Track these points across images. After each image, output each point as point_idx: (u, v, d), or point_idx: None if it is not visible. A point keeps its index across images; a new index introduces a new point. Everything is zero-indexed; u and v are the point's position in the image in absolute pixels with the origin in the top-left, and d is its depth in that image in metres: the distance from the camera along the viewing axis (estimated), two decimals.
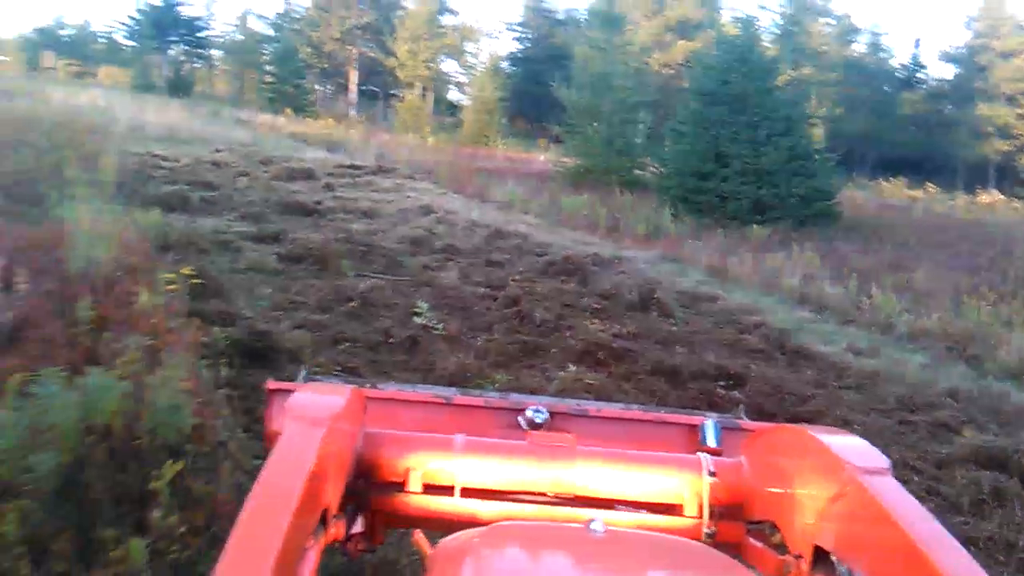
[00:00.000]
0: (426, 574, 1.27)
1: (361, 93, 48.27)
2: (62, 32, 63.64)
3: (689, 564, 1.28)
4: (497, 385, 5.36)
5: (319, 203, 11.66)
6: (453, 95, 49.74)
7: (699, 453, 1.64)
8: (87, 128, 13.19)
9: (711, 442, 1.73)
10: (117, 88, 38.89)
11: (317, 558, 1.27)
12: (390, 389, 1.91)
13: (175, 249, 7.41)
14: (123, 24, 57.77)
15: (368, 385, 1.85)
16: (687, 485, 1.58)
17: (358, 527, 1.64)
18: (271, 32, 50.70)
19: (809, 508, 1.37)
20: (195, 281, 5.93)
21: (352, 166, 17.20)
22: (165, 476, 3.02)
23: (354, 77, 47.59)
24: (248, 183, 12.89)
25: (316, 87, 49.05)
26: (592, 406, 1.91)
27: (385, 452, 1.59)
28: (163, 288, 5.44)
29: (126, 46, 55.94)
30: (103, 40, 62.81)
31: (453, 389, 1.91)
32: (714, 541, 1.54)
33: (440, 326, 6.55)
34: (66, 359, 4.39)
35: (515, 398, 1.89)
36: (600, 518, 1.33)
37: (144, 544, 2.82)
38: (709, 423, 1.77)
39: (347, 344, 5.95)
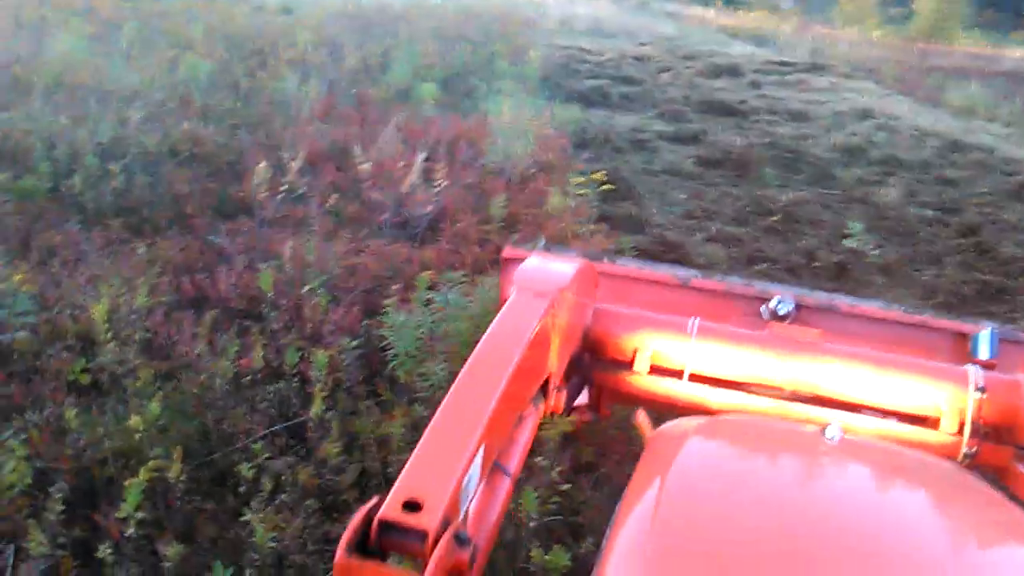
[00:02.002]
0: (644, 455, 1.20)
1: None
2: None
3: (934, 485, 1.13)
4: None
5: (743, 102, 10.77)
6: None
7: (968, 365, 1.50)
8: (520, 22, 13.58)
9: (983, 354, 1.58)
10: None
11: (535, 425, 1.31)
12: (627, 266, 1.87)
13: (591, 147, 7.19)
14: None
15: (605, 260, 1.82)
16: (948, 398, 1.46)
17: (583, 399, 1.66)
18: None
19: None
20: (606, 186, 5.61)
21: (783, 62, 15.78)
22: None
23: None
24: (670, 79, 12.36)
25: None
26: (845, 301, 1.78)
27: (614, 329, 1.56)
28: (575, 190, 5.21)
29: None
30: None
31: (694, 271, 1.85)
32: (973, 462, 1.43)
33: (876, 252, 5.55)
34: (473, 260, 4.34)
35: (760, 287, 1.78)
36: (838, 423, 1.22)
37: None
38: (984, 332, 1.62)
39: (765, 264, 5.27)
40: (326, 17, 11.47)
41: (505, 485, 1.20)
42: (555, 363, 1.39)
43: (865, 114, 11.12)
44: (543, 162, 5.99)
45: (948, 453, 1.42)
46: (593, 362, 1.61)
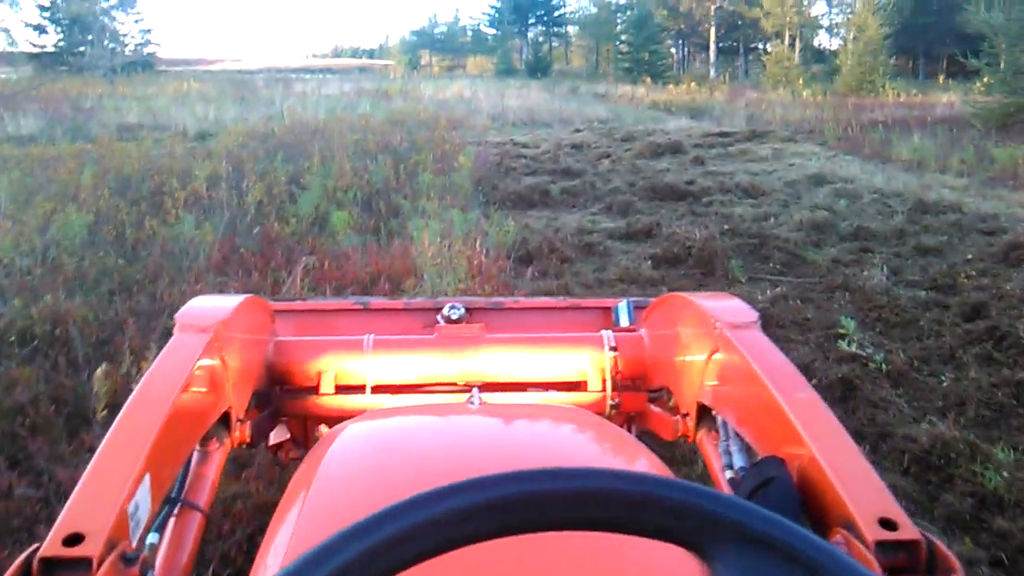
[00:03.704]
0: (308, 454, 1.25)
1: (718, 51, 45.72)
2: (436, 31, 68.96)
3: (555, 423, 1.27)
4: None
5: (691, 183, 10.12)
6: (820, 40, 45.23)
7: (603, 331, 1.74)
8: (449, 123, 12.93)
9: (624, 322, 1.83)
10: (482, 76, 40.68)
11: (222, 459, 1.37)
12: (312, 301, 2.07)
13: (536, 260, 6.34)
14: (486, 14, 61.07)
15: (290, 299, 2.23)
16: (591, 362, 1.68)
17: (284, 435, 1.82)
18: (623, 0, 50.03)
19: (694, 369, 1.45)
20: None
21: (721, 133, 15.40)
22: None
23: (713, 35, 45.12)
24: (610, 165, 11.73)
25: (671, 50, 47.55)
26: (509, 300, 2.03)
27: (296, 357, 1.67)
28: None
29: (490, 35, 59.04)
30: (471, 32, 67.04)
31: (375, 297, 2.16)
32: (620, 412, 1.70)
33: (879, 356, 4.70)
34: None
35: (435, 300, 1.99)
36: (477, 393, 1.49)
37: None
38: (622, 304, 1.88)
39: None
40: (236, 142, 10.68)
41: (196, 520, 1.20)
42: (232, 397, 1.40)
43: (818, 180, 10.57)
44: (479, 294, 5.11)
45: (598, 409, 1.62)
46: (283, 393, 1.66)
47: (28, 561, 0.82)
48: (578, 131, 16.05)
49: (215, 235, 5.98)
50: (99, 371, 3.03)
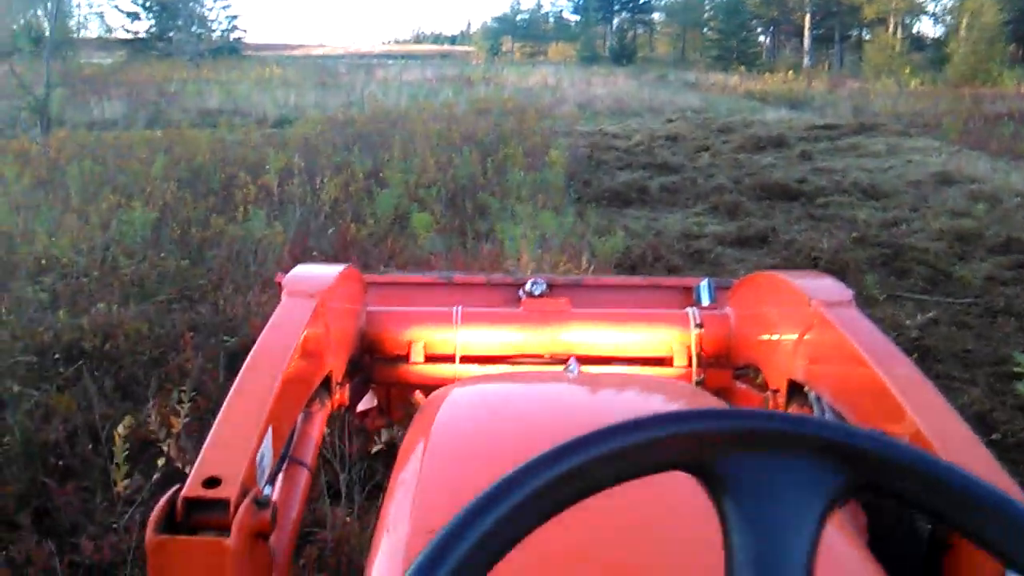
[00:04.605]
0: (415, 417, 1.26)
1: (812, 39, 43.75)
2: (518, 18, 68.23)
3: (653, 392, 1.32)
4: None
5: (802, 181, 9.20)
6: (921, 27, 42.87)
7: (688, 308, 1.78)
8: (536, 113, 12.22)
9: (705, 300, 1.83)
10: (565, 63, 39.79)
11: (324, 419, 1.43)
12: (398, 274, 2.27)
13: (640, 270, 5.61)
14: (569, 0, 60.12)
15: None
16: (676, 338, 1.73)
17: (371, 402, 1.87)
18: None
19: (784, 346, 1.46)
20: None
21: (826, 126, 14.30)
22: None
23: (808, 21, 43.13)
24: (710, 160, 10.86)
25: (761, 38, 45.85)
26: (590, 277, 2.18)
27: (388, 327, 1.75)
28: None
29: (572, 21, 58.08)
30: (553, 18, 66.16)
31: (455, 272, 2.16)
32: (704, 387, 1.69)
33: None
34: None
35: (519, 277, 2.05)
36: (575, 361, 1.53)
37: None
38: (704, 283, 1.89)
39: None
40: (313, 130, 10.20)
41: (303, 476, 1.24)
42: (333, 362, 1.47)
43: (945, 179, 9.53)
44: None
45: None
46: (373, 361, 1.75)
47: (172, 501, 0.88)
48: (671, 121, 15.15)
49: (286, 235, 5.43)
50: (120, 427, 2.40)
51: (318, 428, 1.37)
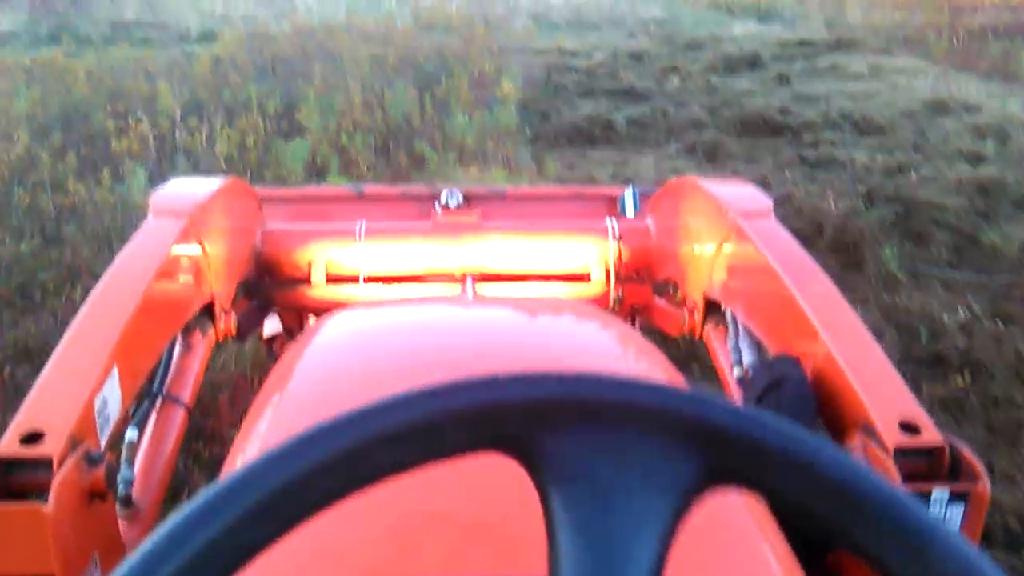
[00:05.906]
0: (290, 345, 1.19)
1: None
2: None
3: (551, 317, 1.17)
4: None
5: (785, 112, 8.16)
6: None
7: (608, 218, 1.69)
8: (486, 28, 10.88)
9: (629, 211, 1.75)
10: None
11: (207, 352, 1.33)
12: (302, 188, 2.04)
13: None
14: None
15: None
16: (594, 252, 1.64)
17: (278, 328, 1.74)
18: None
19: (703, 261, 1.40)
20: None
21: (800, 42, 13.16)
22: None
23: None
24: (680, 84, 9.73)
25: None
26: (510, 187, 1.98)
27: (285, 246, 1.64)
28: None
29: None
30: None
31: (365, 183, 1.92)
32: (624, 306, 1.63)
33: None
34: None
35: (432, 187, 1.90)
36: (471, 283, 1.48)
37: None
38: (628, 191, 1.78)
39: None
40: (228, 52, 8.79)
41: (179, 414, 1.17)
42: (217, 287, 1.36)
43: (938, 107, 8.60)
44: None
45: (601, 302, 1.59)
46: (272, 284, 1.64)
47: None
48: (633, 36, 13.89)
49: None
50: None
51: (199, 361, 1.27)
